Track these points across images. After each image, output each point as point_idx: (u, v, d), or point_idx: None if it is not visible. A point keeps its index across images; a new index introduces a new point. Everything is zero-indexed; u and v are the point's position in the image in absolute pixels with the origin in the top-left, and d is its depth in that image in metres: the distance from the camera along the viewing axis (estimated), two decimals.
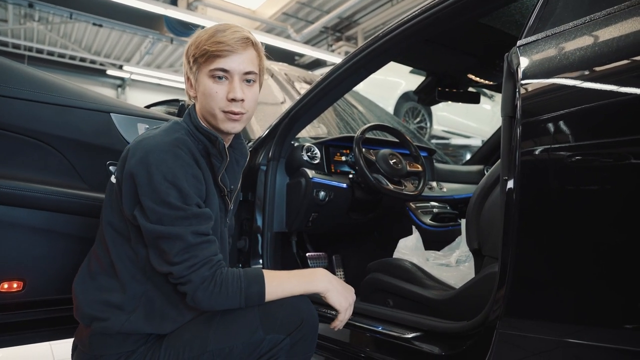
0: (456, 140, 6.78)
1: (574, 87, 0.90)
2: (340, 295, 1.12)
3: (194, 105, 1.16)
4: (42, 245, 1.28)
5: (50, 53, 10.35)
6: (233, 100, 1.08)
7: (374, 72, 1.63)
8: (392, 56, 1.59)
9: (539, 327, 0.92)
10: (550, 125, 0.91)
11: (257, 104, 1.18)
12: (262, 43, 1.17)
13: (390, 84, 5.76)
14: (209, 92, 1.09)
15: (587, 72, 0.88)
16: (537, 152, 0.93)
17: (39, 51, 10.20)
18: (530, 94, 0.96)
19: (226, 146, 1.18)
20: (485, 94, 6.14)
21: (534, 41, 1.00)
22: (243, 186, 1.72)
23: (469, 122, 6.57)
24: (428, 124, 6.11)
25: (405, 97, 5.76)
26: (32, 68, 1.38)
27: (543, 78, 0.95)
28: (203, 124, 1.13)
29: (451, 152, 6.99)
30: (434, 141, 6.26)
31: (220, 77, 1.08)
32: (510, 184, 0.98)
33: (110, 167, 1.45)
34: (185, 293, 1.01)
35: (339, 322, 1.14)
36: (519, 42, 1.03)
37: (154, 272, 1.05)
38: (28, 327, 1.37)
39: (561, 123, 0.90)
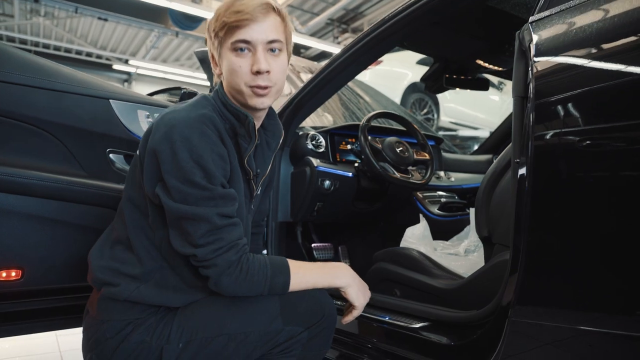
0: (464, 132, 6.71)
1: (591, 64, 0.85)
2: (359, 291, 1.11)
3: (221, 82, 1.09)
4: (40, 234, 1.26)
5: (57, 48, 10.41)
6: (258, 72, 1.00)
7: (379, 57, 1.59)
8: (398, 41, 1.54)
9: (553, 315, 0.88)
10: (566, 106, 0.87)
11: None
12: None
13: (396, 75, 5.68)
14: (232, 67, 1.01)
15: (605, 48, 0.83)
16: (551, 135, 0.89)
17: (46, 46, 10.28)
18: (544, 72, 0.91)
19: (257, 126, 1.10)
20: (493, 85, 6.05)
21: (548, 16, 0.95)
22: None
23: (477, 113, 6.48)
24: (435, 116, 6.03)
25: (412, 88, 5.68)
26: (29, 53, 1.35)
27: (558, 55, 0.90)
28: (232, 102, 1.06)
29: (459, 144, 6.92)
30: (441, 133, 6.18)
31: (242, 50, 1.00)
32: (522, 169, 0.94)
33: (111, 155, 1.43)
34: (208, 277, 0.97)
35: (351, 317, 1.13)
36: (531, 18, 0.98)
37: (169, 252, 1.02)
38: (27, 316, 1.36)
39: (577, 103, 0.86)
